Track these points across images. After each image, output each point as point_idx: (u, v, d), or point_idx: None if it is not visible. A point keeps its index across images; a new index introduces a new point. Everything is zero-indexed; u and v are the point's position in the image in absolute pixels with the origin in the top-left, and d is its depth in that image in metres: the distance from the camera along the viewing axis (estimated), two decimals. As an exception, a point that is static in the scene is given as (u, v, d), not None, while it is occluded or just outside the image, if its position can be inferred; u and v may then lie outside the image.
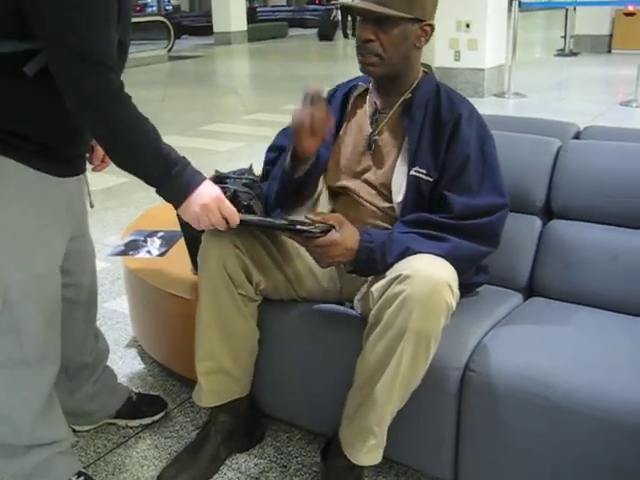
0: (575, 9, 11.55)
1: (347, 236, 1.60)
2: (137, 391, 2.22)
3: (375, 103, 1.84)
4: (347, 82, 1.95)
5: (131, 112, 1.50)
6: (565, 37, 11.88)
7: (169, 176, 1.54)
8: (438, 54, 7.99)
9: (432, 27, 1.72)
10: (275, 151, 1.94)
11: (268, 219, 1.71)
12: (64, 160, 1.60)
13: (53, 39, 1.38)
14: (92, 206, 1.82)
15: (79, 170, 1.68)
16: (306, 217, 1.63)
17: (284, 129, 1.99)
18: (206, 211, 1.57)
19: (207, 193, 1.57)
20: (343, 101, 1.90)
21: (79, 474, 1.80)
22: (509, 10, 7.96)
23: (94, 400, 2.02)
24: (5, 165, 1.48)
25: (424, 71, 1.82)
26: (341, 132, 1.89)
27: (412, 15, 1.66)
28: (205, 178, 1.61)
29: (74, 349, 1.88)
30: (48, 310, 1.64)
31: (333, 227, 1.60)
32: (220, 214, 1.58)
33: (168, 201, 1.60)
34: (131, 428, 2.11)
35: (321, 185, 1.90)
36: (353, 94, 1.90)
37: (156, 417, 2.14)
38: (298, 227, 1.60)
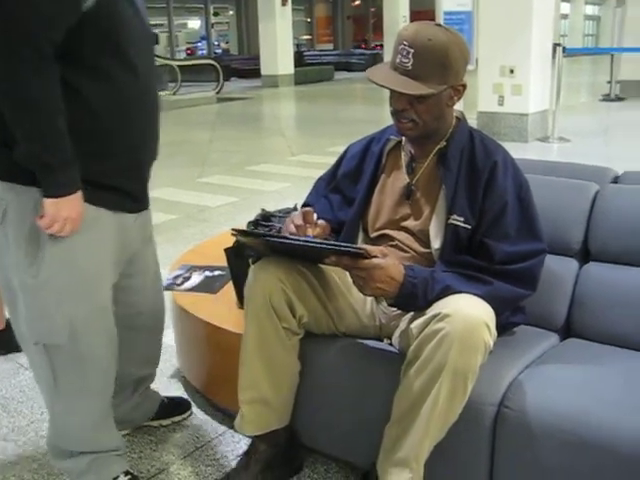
0: (621, 54, 11.57)
1: (391, 264, 1.66)
2: (165, 396, 2.39)
3: (410, 152, 1.90)
4: (379, 134, 2.00)
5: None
6: (611, 82, 11.86)
7: (67, 163, 1.51)
8: (482, 99, 8.08)
9: (464, 86, 1.76)
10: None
11: (314, 240, 1.72)
12: (118, 192, 1.67)
13: None
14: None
15: (136, 208, 1.77)
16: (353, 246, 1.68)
17: (317, 183, 2.07)
18: (65, 222, 1.53)
19: (79, 207, 1.55)
20: (378, 155, 1.96)
21: (126, 473, 1.91)
22: (553, 56, 8.02)
23: (137, 409, 2.23)
24: None
25: (456, 117, 1.87)
26: (378, 185, 1.95)
27: (446, 85, 1.72)
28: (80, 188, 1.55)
29: (132, 368, 2.06)
30: (109, 339, 1.76)
31: (376, 257, 1.65)
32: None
33: (55, 189, 1.52)
34: (164, 426, 2.32)
35: (361, 236, 1.97)
36: (387, 147, 1.96)
37: (185, 415, 2.36)
38: (344, 248, 1.64)
